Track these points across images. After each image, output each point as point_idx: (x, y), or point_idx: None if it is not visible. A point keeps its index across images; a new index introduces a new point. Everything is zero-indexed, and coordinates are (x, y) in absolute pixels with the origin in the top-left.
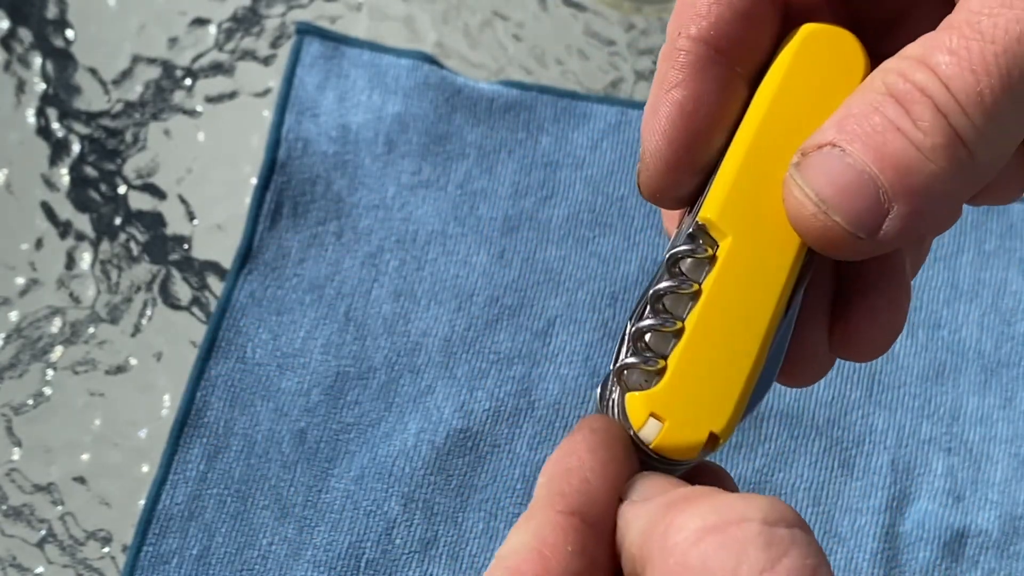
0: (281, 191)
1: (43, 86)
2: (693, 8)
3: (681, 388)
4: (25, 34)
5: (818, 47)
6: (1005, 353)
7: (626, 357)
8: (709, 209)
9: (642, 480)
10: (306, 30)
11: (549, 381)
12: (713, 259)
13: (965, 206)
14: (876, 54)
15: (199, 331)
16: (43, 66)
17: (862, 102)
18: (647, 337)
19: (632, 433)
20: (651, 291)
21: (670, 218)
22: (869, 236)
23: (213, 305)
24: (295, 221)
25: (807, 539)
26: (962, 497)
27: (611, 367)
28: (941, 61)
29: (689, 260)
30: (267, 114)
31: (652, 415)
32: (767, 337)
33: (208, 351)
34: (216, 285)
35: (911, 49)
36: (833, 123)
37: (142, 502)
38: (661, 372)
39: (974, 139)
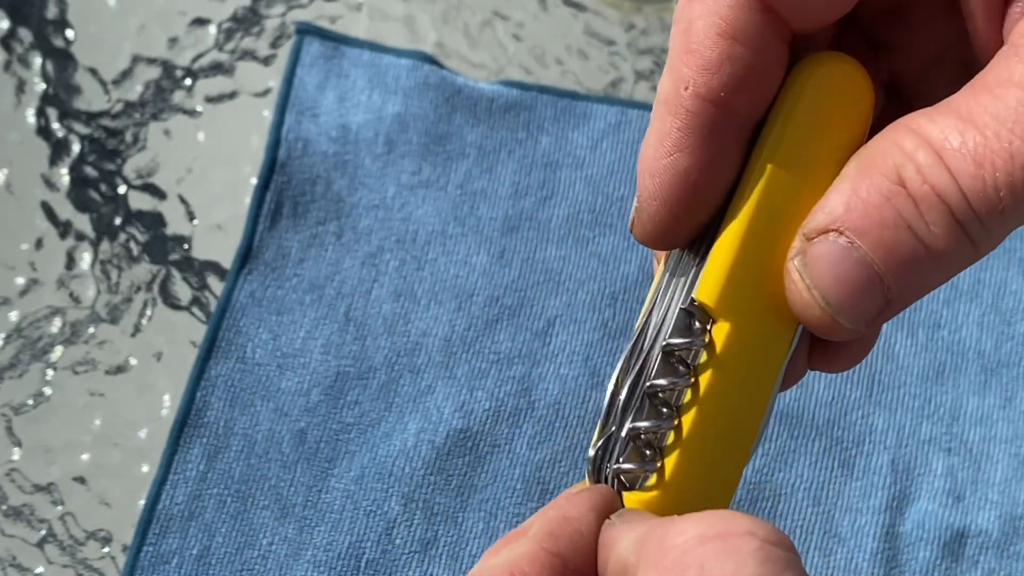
0: (281, 191)
1: (43, 86)
2: (702, 59)
3: (679, 490)
4: (25, 34)
5: (819, 86)
6: (1005, 353)
7: (622, 461)
8: (704, 292)
9: (628, 510)
10: (306, 30)
11: (549, 381)
12: (709, 344)
13: None
14: (879, 43)
15: (199, 331)
16: (43, 66)
17: (872, 187)
18: (643, 436)
19: None
20: (647, 384)
21: (658, 254)
22: (868, 328)
23: (213, 305)
24: (295, 221)
25: (801, 569)
26: (962, 497)
27: (604, 413)
28: (963, 170)
29: (688, 352)
30: (267, 114)
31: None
32: (765, 419)
33: (208, 351)
34: (216, 285)
35: (927, 129)
36: (840, 202)
37: (142, 502)
38: (658, 471)
39: (983, 240)
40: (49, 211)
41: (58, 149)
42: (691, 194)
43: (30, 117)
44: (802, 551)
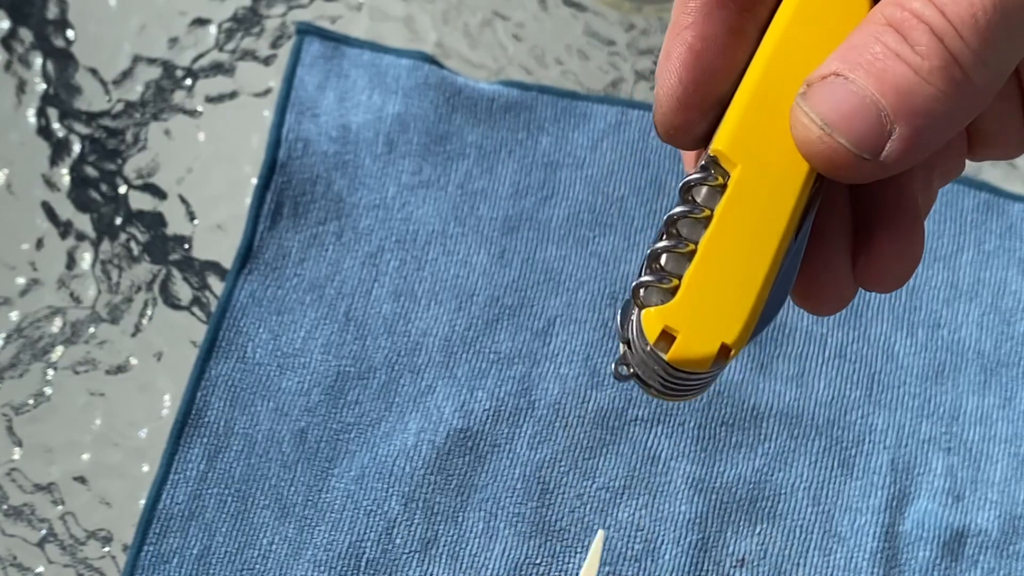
0: (281, 191)
1: (44, 86)
2: None
3: (693, 303)
4: (26, 34)
5: None
6: (1005, 353)
7: (642, 276)
8: (720, 140)
9: None
10: (306, 30)
11: (549, 381)
12: (724, 187)
13: (966, 205)
14: None
15: (199, 331)
16: (44, 66)
17: (863, 33)
18: (662, 259)
19: (648, 348)
20: (666, 216)
21: (688, 160)
22: (873, 156)
23: (213, 305)
24: (295, 221)
25: None
26: (962, 497)
27: (631, 286)
28: None
29: (703, 189)
30: (267, 114)
31: (666, 328)
32: (777, 255)
33: (208, 351)
34: (216, 285)
35: None
36: (837, 55)
37: (142, 502)
38: (675, 290)
39: (970, 61)
40: (50, 211)
41: (59, 149)
42: (701, 65)
43: (31, 117)
44: (802, 551)
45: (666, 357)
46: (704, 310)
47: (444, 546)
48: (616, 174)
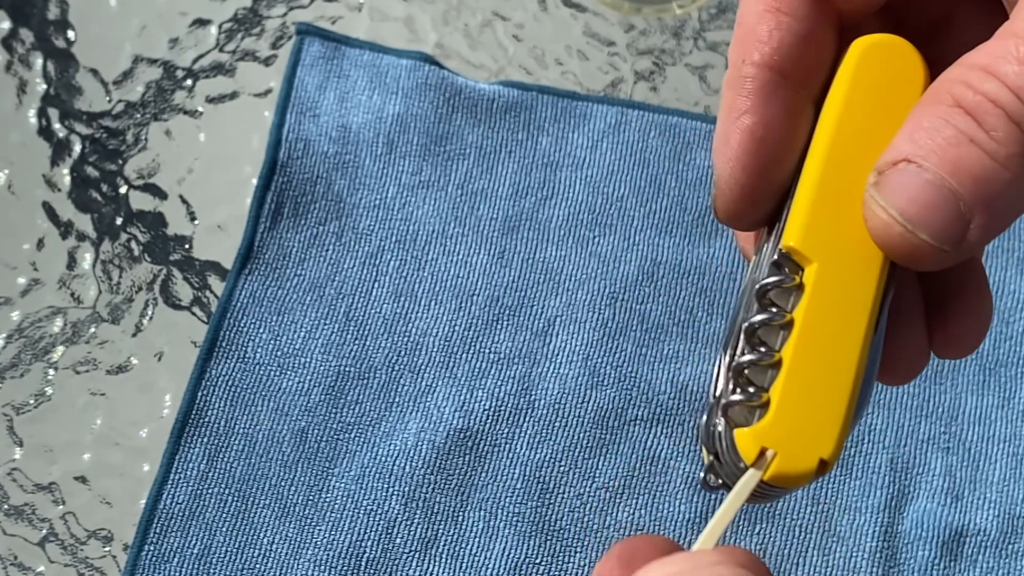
0: (282, 191)
1: (44, 87)
2: (754, 35)
3: (787, 420)
4: (26, 35)
5: (876, 59)
6: (1004, 352)
7: (730, 394)
8: (791, 236)
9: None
10: (306, 31)
11: (549, 381)
12: (800, 286)
13: None
14: (927, 62)
15: (200, 331)
16: (44, 67)
17: (931, 115)
18: (746, 372)
19: (744, 466)
20: (745, 324)
21: (745, 239)
22: (954, 248)
23: (214, 305)
24: (296, 221)
25: None
26: (961, 496)
27: (711, 399)
28: (1010, 71)
29: (777, 290)
30: (268, 114)
31: (763, 449)
32: (863, 357)
33: (209, 351)
34: (217, 285)
35: (974, 58)
36: (905, 137)
37: (143, 501)
38: (765, 405)
39: None
40: (50, 211)
41: (59, 149)
42: (762, 151)
43: (31, 117)
44: (801, 550)
45: (764, 477)
46: (798, 427)
47: (444, 546)
48: (616, 174)
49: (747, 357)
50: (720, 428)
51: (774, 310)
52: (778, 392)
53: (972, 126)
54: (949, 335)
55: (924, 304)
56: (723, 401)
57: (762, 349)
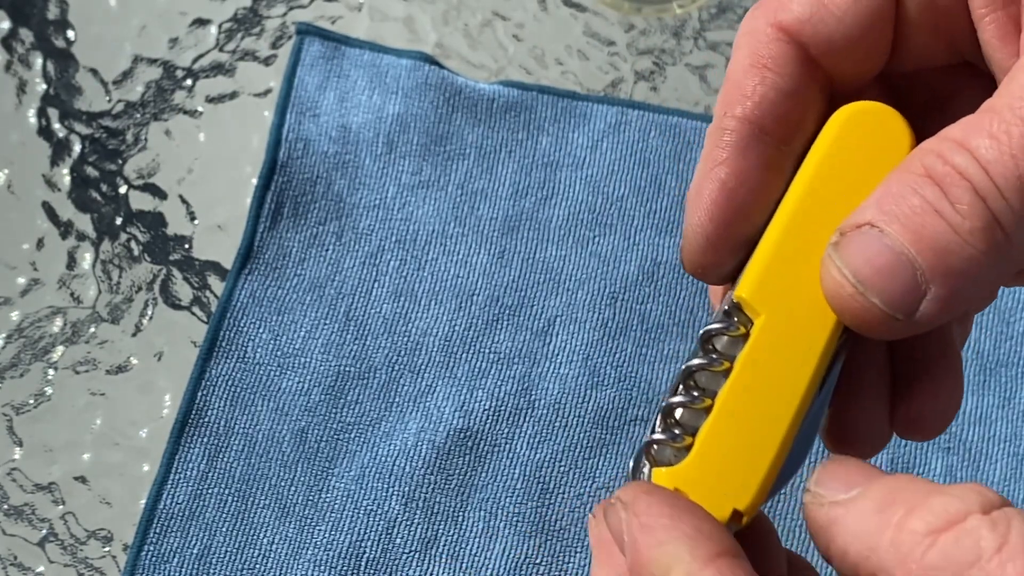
0: (282, 191)
1: (44, 86)
2: (739, 89)
3: (706, 465)
4: (26, 34)
5: (862, 125)
6: (1004, 352)
7: (655, 433)
8: (744, 287)
9: (827, 472)
10: (306, 31)
11: (549, 381)
12: (747, 336)
13: None
14: (922, 137)
15: (200, 331)
16: (44, 66)
17: (901, 183)
18: (677, 413)
19: None
20: (683, 366)
21: (715, 292)
22: (906, 317)
23: (214, 305)
24: (296, 221)
25: (1017, 512)
26: None
27: (646, 438)
28: (981, 145)
29: (724, 338)
30: (268, 114)
31: (676, 491)
32: (797, 416)
33: (209, 351)
34: (217, 285)
35: (951, 131)
36: (872, 203)
37: (143, 501)
38: (689, 448)
39: (1011, 223)
40: (50, 211)
41: (59, 149)
42: (732, 203)
43: (31, 117)
44: (801, 550)
45: None
46: (718, 473)
47: (444, 546)
48: (616, 174)
49: (677, 399)
50: (645, 470)
51: (714, 356)
52: (702, 436)
53: (938, 197)
54: (910, 414)
55: (891, 379)
56: (645, 439)
57: (695, 393)
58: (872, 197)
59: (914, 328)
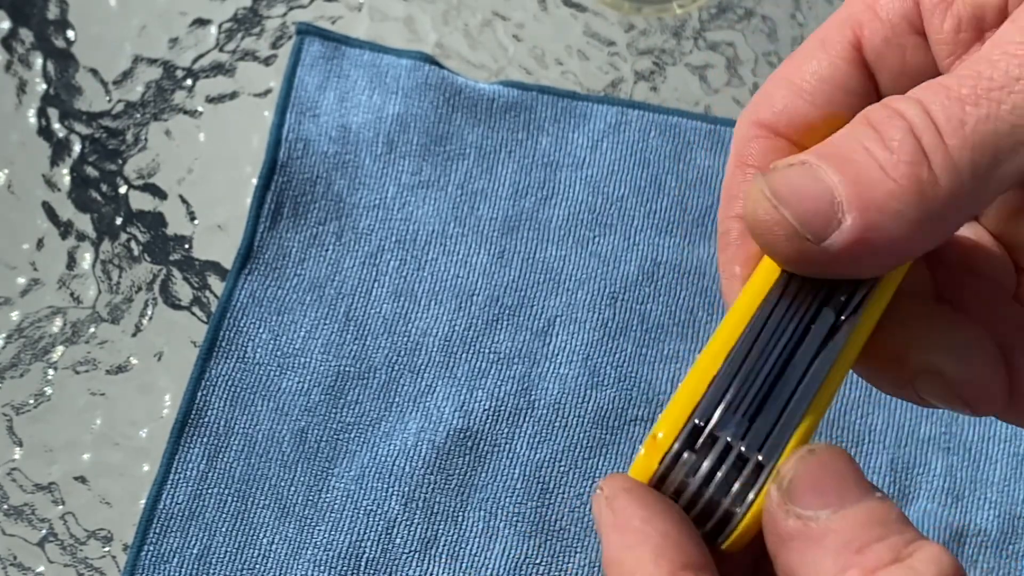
0: (282, 191)
1: (44, 86)
2: (728, 190)
3: (662, 419)
4: (26, 34)
5: None
6: None
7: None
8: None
9: (806, 481)
10: (306, 31)
11: (549, 381)
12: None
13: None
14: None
15: (200, 331)
16: (44, 66)
17: (843, 130)
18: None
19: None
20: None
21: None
22: (816, 239)
23: (214, 305)
24: (295, 221)
25: None
26: (961, 496)
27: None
28: (929, 92)
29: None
30: (268, 114)
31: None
32: (724, 348)
33: (209, 351)
34: (217, 285)
35: (912, 91)
36: (812, 148)
37: (143, 501)
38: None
39: (941, 161)
40: (50, 211)
41: (59, 149)
42: None
43: (31, 117)
44: None
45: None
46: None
47: (444, 546)
48: (616, 174)
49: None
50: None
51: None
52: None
53: (873, 137)
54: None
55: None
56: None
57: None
58: (815, 145)
59: (828, 259)
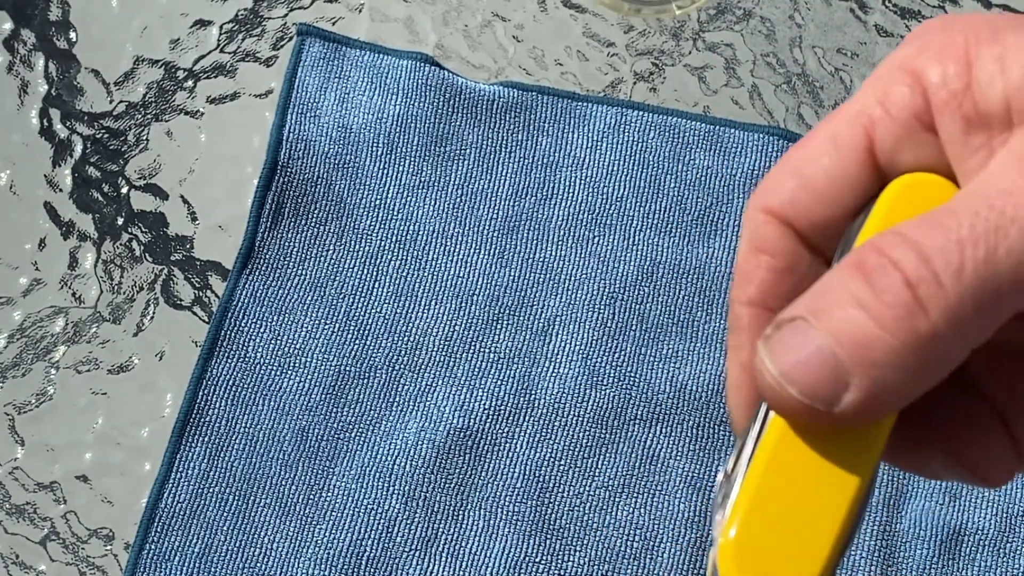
0: (282, 192)
1: (46, 87)
2: (742, 273)
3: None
4: (28, 35)
5: (914, 196)
6: None
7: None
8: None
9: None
10: (307, 31)
11: (549, 380)
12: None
13: None
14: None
15: (201, 331)
16: (46, 67)
17: (834, 276)
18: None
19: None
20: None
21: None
22: (827, 407)
23: (215, 305)
24: (296, 221)
25: None
26: (959, 495)
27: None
28: (925, 235)
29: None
30: (268, 115)
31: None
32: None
33: (210, 350)
34: (218, 285)
35: (902, 225)
36: (807, 296)
37: (144, 500)
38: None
39: (942, 312)
40: (52, 211)
41: (61, 150)
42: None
43: (33, 118)
44: None
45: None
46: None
47: (444, 544)
48: (615, 174)
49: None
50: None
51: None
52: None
53: (864, 289)
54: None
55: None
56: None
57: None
58: (808, 291)
59: (840, 421)
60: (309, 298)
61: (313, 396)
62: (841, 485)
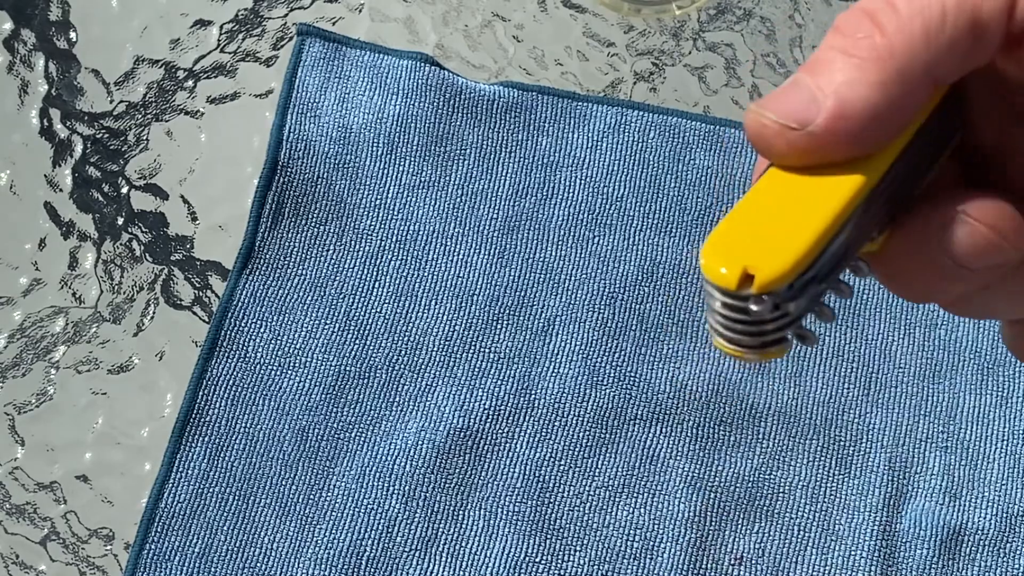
0: (283, 191)
1: (46, 87)
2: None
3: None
4: (28, 35)
5: None
6: (1002, 352)
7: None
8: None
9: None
10: (307, 31)
11: (549, 380)
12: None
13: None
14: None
15: (201, 331)
16: (46, 67)
17: (822, 42)
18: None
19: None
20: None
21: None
22: (801, 126)
23: (215, 305)
24: (296, 221)
25: None
26: (958, 495)
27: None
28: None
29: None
30: (269, 115)
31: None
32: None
33: (210, 350)
34: (218, 285)
35: None
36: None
37: (144, 500)
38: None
39: (895, 28)
40: (52, 211)
41: (61, 150)
42: None
43: (33, 118)
44: (800, 549)
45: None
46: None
47: (444, 544)
48: (615, 174)
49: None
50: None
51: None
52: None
53: (836, 35)
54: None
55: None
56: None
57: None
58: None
59: (818, 142)
60: (309, 298)
61: (313, 396)
62: (828, 198)
